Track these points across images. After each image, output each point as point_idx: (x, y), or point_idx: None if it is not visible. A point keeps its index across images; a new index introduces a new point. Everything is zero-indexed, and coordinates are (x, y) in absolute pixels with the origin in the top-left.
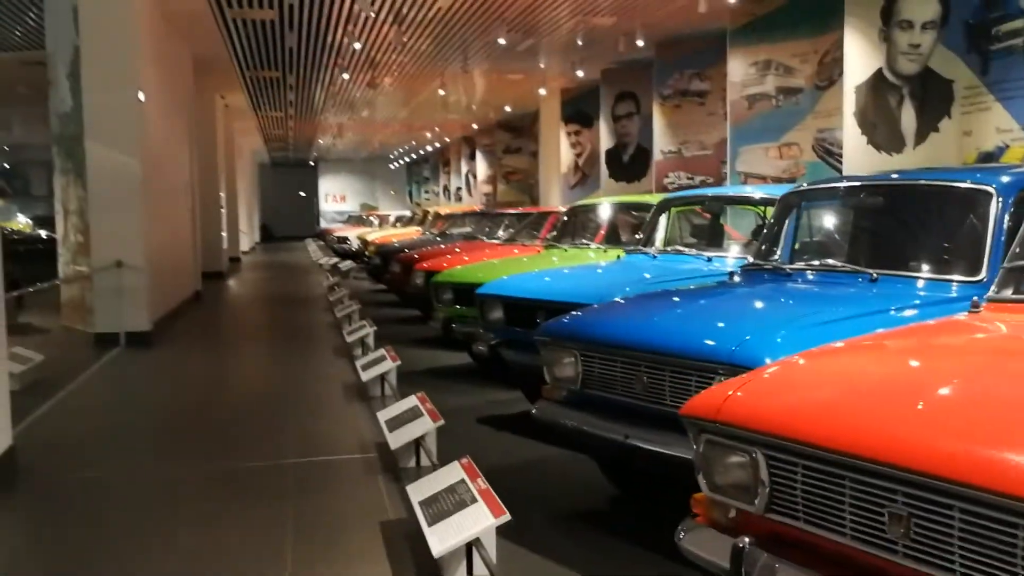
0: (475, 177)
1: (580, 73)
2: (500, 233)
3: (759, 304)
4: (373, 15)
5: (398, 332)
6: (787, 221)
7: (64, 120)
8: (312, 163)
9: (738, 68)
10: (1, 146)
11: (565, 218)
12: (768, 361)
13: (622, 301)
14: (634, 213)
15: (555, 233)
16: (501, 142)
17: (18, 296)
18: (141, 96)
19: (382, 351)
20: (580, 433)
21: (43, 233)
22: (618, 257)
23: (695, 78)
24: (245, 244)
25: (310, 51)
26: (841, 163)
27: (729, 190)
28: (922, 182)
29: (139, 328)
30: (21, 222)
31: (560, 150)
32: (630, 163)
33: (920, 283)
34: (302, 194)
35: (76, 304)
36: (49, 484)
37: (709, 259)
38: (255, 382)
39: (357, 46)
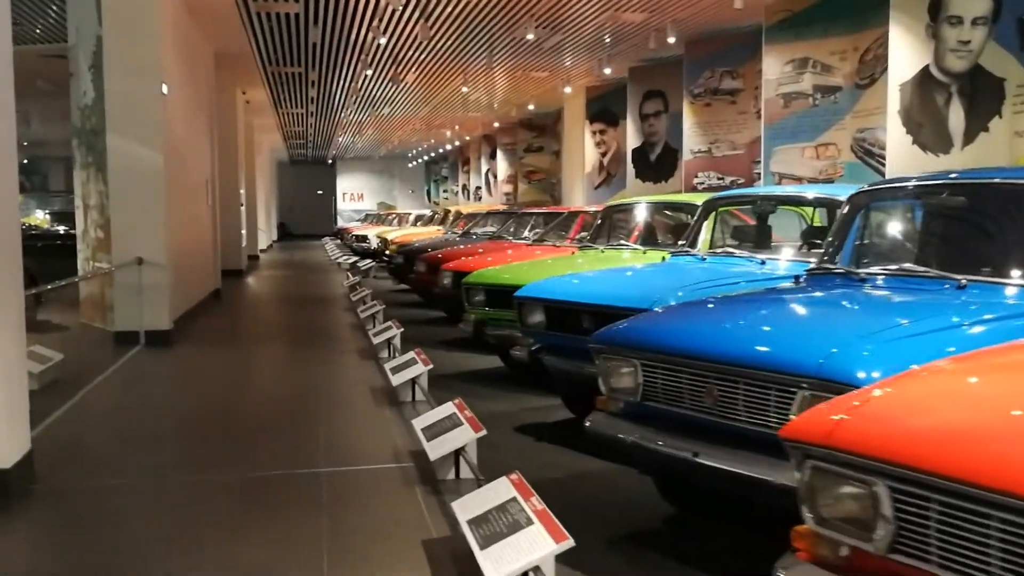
0: (495, 176)
1: (608, 71)
2: (526, 233)
3: (838, 312)
4: (400, 8)
5: (424, 334)
6: (855, 222)
7: (85, 113)
8: (330, 161)
9: (773, 65)
10: (20, 141)
11: (600, 218)
12: (860, 376)
13: (685, 306)
14: (670, 213)
15: (587, 233)
16: (523, 141)
17: (36, 293)
18: (164, 88)
19: (412, 354)
20: (642, 449)
21: (61, 229)
22: (663, 259)
23: (727, 76)
24: (263, 242)
25: (334, 46)
26: (883, 164)
27: (781, 190)
28: (1013, 181)
29: (159, 327)
30: (39, 217)
31: (584, 149)
32: (657, 163)
33: (1012, 290)
34: (320, 192)
35: (95, 301)
36: (69, 492)
37: (762, 262)
38: (280, 384)
39: (382, 41)
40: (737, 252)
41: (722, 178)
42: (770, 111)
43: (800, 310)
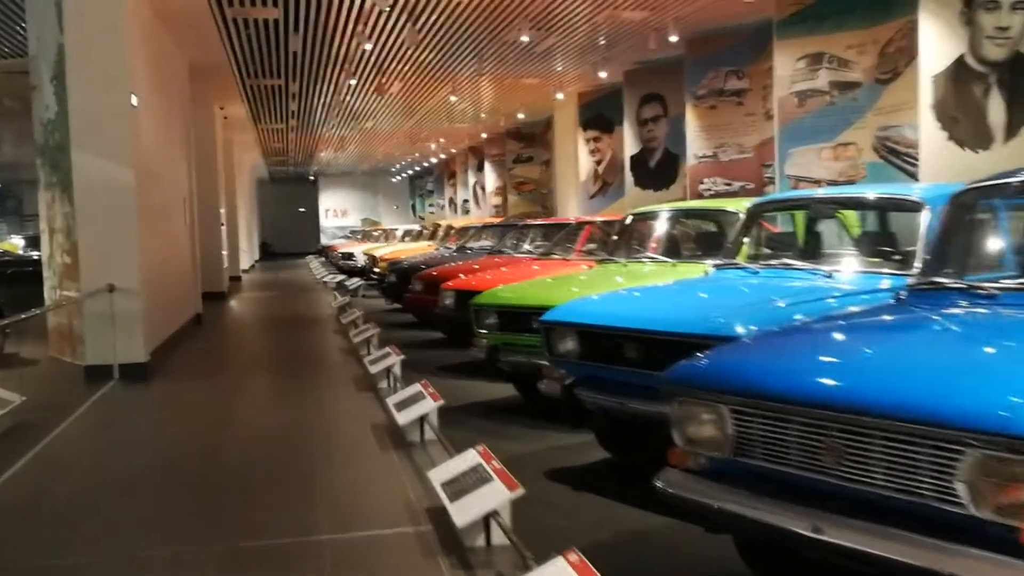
0: (483, 189)
1: (603, 74)
2: (527, 247)
3: (991, 342)
4: (387, 10)
5: (425, 359)
6: (960, 227)
7: (48, 128)
8: (312, 178)
9: (786, 62)
10: None
11: (620, 228)
12: None
13: (784, 335)
14: (696, 222)
15: (595, 246)
16: (511, 151)
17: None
18: (134, 100)
19: (417, 386)
20: (738, 519)
21: (35, 255)
22: (705, 273)
23: (732, 76)
24: (245, 262)
25: (315, 55)
26: (910, 163)
27: (839, 191)
28: None
29: (134, 359)
30: (12, 243)
31: (578, 158)
32: (657, 169)
33: None
34: (302, 210)
35: (64, 333)
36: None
37: (829, 275)
38: (270, 424)
39: (367, 47)
40: (797, 264)
41: (729, 183)
42: (784, 111)
43: (939, 340)
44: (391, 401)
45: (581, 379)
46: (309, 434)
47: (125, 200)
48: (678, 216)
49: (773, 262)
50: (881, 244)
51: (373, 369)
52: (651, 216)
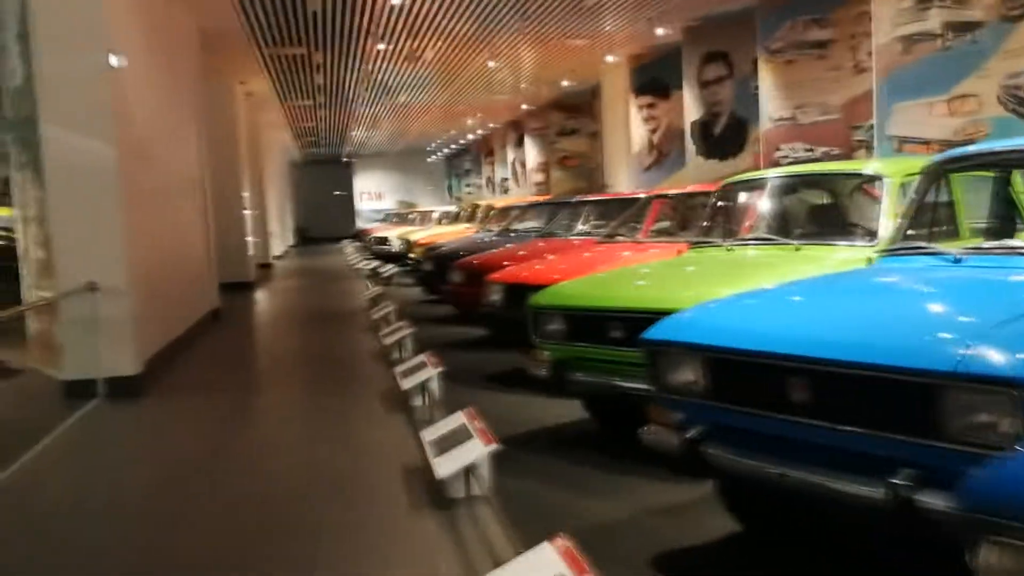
0: (524, 165)
1: (660, 31)
2: (581, 227)
3: None
4: None
5: (467, 364)
6: None
7: (16, 98)
8: (346, 160)
9: (886, 2)
10: None
11: (715, 202)
12: None
13: None
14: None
15: (669, 224)
16: (554, 124)
17: None
18: (114, 60)
19: (461, 419)
20: None
21: None
22: (869, 261)
23: (813, 25)
24: (277, 248)
25: (338, 14)
26: None
27: None
28: None
29: (123, 372)
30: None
31: (630, 127)
32: (722, 136)
33: None
34: (337, 193)
35: (44, 340)
36: None
37: None
38: (283, 460)
39: (396, 2)
40: (1015, 244)
41: (811, 149)
42: (883, 60)
43: None
44: (428, 438)
45: (712, 429)
46: (321, 483)
47: (107, 182)
48: (793, 184)
49: (976, 245)
50: None
51: (405, 384)
52: (754, 185)
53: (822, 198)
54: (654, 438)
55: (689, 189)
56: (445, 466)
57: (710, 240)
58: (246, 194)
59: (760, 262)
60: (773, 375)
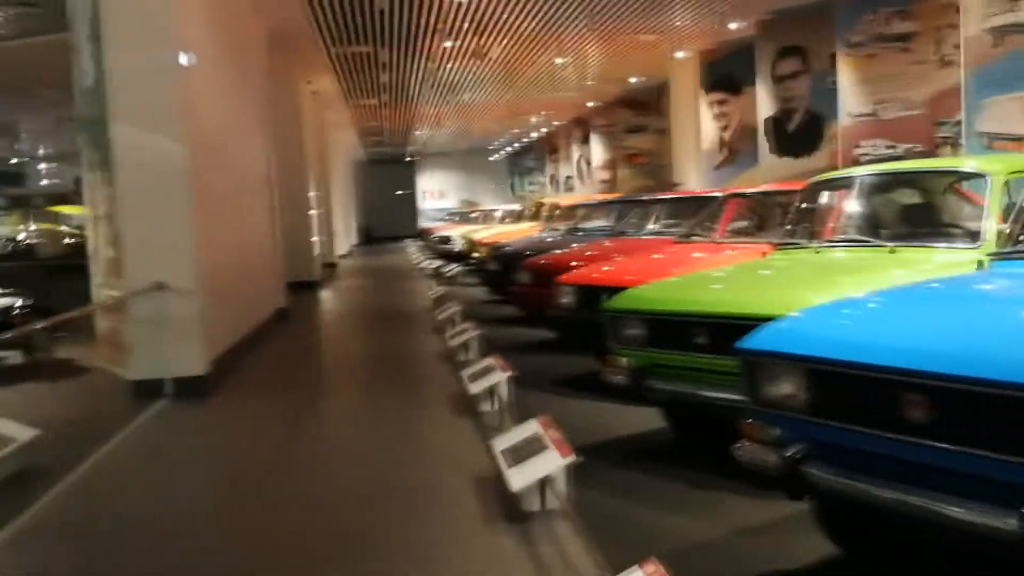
0: (589, 163)
1: (734, 26)
2: (651, 226)
3: None
4: None
5: (536, 368)
6: None
7: (88, 98)
8: (409, 159)
9: None
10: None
11: (802, 201)
12: None
13: None
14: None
15: (747, 224)
16: (621, 121)
17: (47, 328)
18: (184, 59)
19: (535, 426)
20: None
21: None
22: (980, 265)
23: (895, 17)
24: (342, 248)
25: (404, 14)
26: None
27: None
28: None
29: (190, 372)
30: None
31: (700, 124)
32: (798, 133)
33: None
34: (400, 192)
35: (111, 340)
36: None
37: None
38: (350, 467)
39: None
40: None
41: (893, 146)
42: (973, 53)
43: None
44: (500, 447)
45: (816, 448)
46: (389, 492)
47: (176, 180)
48: (885, 182)
49: None
50: None
51: (473, 388)
52: (843, 183)
53: (914, 197)
54: (750, 456)
55: (769, 188)
56: (520, 478)
57: (797, 241)
58: (312, 193)
59: (854, 265)
60: (886, 391)
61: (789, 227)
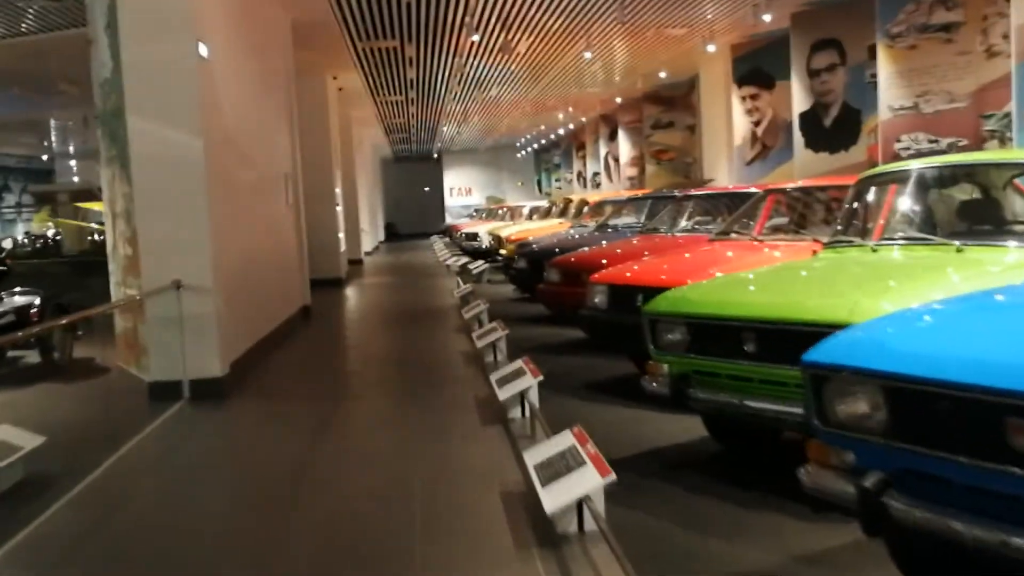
0: (616, 160)
1: (767, 18)
2: (684, 223)
3: None
4: None
5: (566, 370)
6: None
7: (105, 91)
8: (435, 155)
9: None
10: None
11: (853, 196)
12: None
13: None
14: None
15: (783, 220)
16: (649, 116)
17: (65, 326)
18: (203, 50)
19: (570, 440)
20: None
21: None
22: None
23: (939, 7)
24: (368, 244)
25: (431, 7)
26: None
27: None
28: None
29: (208, 373)
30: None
31: (730, 120)
32: (833, 128)
33: None
34: (426, 189)
35: (129, 340)
36: None
37: None
38: (372, 478)
39: None
40: None
41: (936, 141)
42: (1023, 43)
43: None
44: (532, 461)
45: (898, 475)
46: (413, 508)
47: (193, 176)
48: (945, 176)
49: None
50: None
51: (503, 394)
52: (899, 177)
53: (973, 192)
54: (818, 483)
55: (811, 183)
56: (555, 499)
57: (849, 239)
58: (338, 189)
59: (916, 265)
60: (985, 414)
61: (840, 224)
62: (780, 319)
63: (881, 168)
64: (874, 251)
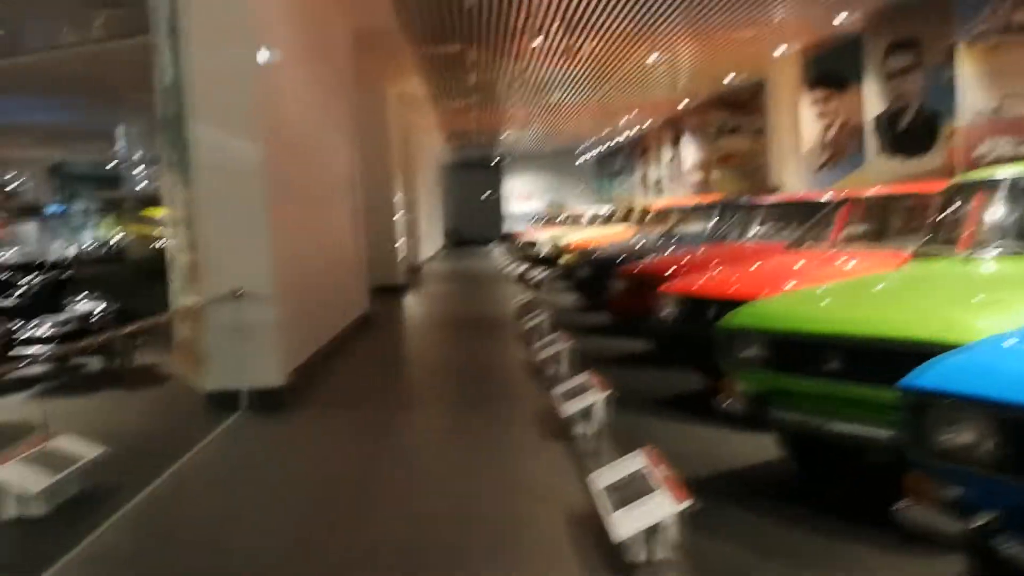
0: (680, 165)
1: (843, 15)
2: (754, 231)
3: None
4: None
5: (634, 384)
6: None
7: (166, 96)
8: (496, 161)
9: None
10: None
11: (944, 204)
12: None
13: None
14: None
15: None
16: (715, 121)
17: (127, 334)
18: (264, 57)
19: (642, 461)
20: None
21: None
22: None
23: (1022, 6)
24: (427, 251)
25: (494, 12)
26: None
27: None
28: None
29: (267, 383)
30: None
31: (799, 125)
32: (909, 132)
33: None
34: (487, 195)
35: (187, 349)
36: None
37: None
38: (431, 497)
39: None
40: None
41: (1021, 144)
42: None
43: None
44: (600, 483)
45: (1009, 515)
46: (474, 530)
47: (254, 183)
48: None
49: None
50: None
51: (567, 409)
52: (994, 184)
53: None
54: (920, 520)
55: (891, 190)
56: (625, 525)
57: (939, 249)
58: (398, 196)
59: (1015, 279)
60: None
61: (929, 233)
62: (868, 336)
63: (973, 174)
64: (966, 264)
